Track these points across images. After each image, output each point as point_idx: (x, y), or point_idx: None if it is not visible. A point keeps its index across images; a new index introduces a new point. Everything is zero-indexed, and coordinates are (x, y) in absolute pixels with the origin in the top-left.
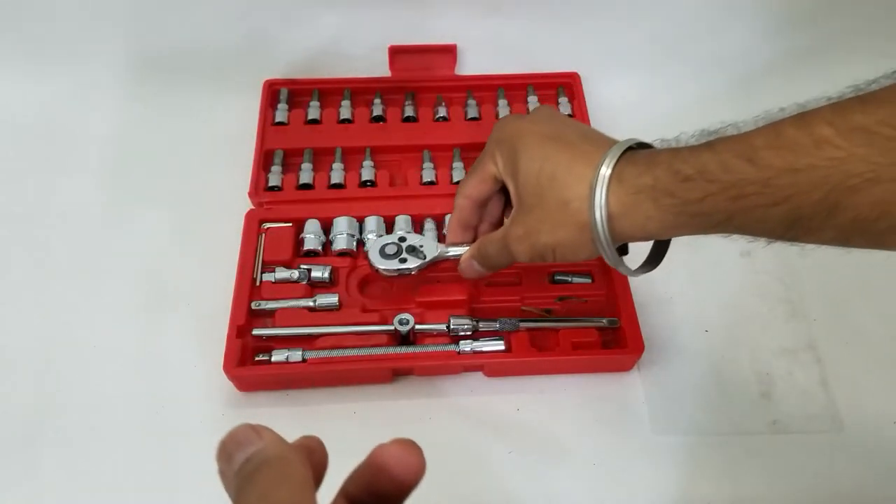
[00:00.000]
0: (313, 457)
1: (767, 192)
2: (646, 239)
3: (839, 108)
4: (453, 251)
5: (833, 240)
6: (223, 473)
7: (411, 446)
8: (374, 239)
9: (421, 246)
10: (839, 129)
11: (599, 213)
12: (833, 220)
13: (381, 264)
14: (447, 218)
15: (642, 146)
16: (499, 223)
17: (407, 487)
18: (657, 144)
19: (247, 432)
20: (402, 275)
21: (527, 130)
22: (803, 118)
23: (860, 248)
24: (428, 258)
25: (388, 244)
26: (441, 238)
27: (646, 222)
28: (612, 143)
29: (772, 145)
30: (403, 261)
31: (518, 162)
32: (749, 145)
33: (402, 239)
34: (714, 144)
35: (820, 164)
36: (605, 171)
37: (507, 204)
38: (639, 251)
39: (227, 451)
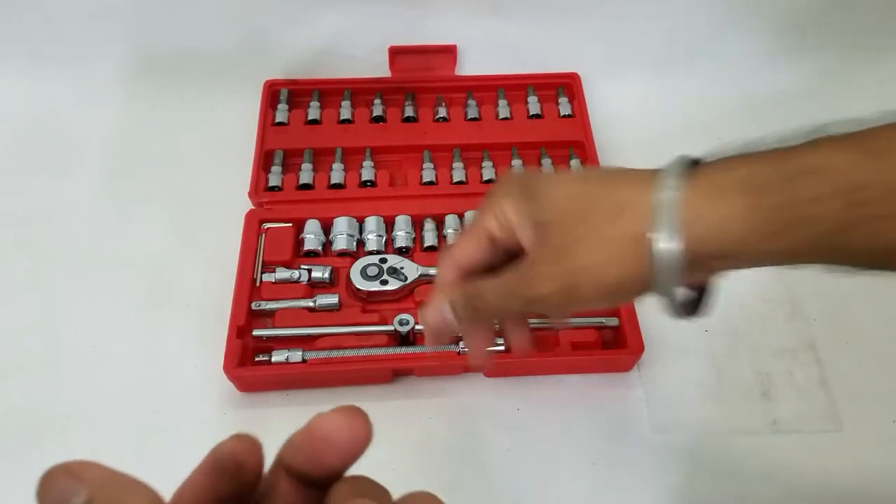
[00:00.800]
0: (242, 474)
1: (892, 201)
2: (718, 254)
3: None
4: (434, 272)
5: None
6: None
7: (355, 413)
8: (357, 259)
9: (402, 267)
10: None
11: (668, 224)
12: None
13: (363, 285)
14: (448, 218)
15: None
16: None
17: (352, 458)
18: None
19: (64, 480)
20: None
21: (544, 174)
22: None
23: None
24: (409, 280)
25: (369, 265)
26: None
27: (730, 225)
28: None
29: None
30: (385, 282)
31: (539, 193)
32: (865, 142)
33: (384, 260)
34: (819, 144)
35: None
36: (677, 167)
37: None
38: None
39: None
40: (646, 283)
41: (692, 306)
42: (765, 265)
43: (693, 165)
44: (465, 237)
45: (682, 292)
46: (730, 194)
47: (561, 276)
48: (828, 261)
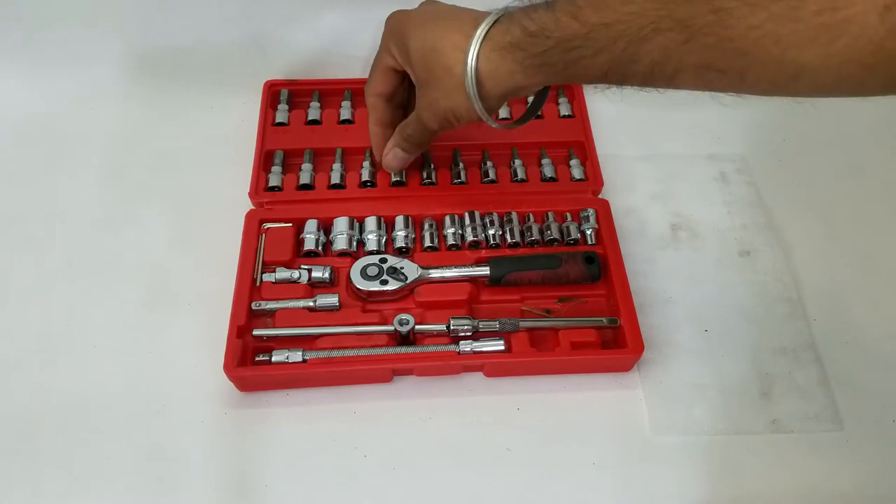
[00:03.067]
0: None
1: (588, 45)
2: (515, 93)
3: None
4: (435, 273)
5: (640, 84)
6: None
7: None
8: (357, 260)
9: (402, 268)
10: None
11: (470, 74)
12: (635, 66)
13: (363, 285)
14: (447, 218)
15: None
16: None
17: None
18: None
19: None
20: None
21: (410, 17)
22: None
23: (662, 88)
24: (409, 280)
25: (369, 265)
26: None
27: (510, 76)
28: (487, 13)
29: (590, 4)
30: (385, 282)
31: (408, 44)
32: (575, 5)
33: (384, 260)
34: (553, 4)
35: (623, 18)
36: (478, 34)
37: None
38: None
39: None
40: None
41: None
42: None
43: (495, 22)
44: (374, 73)
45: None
46: (504, 53)
47: (438, 113)
48: (567, 82)
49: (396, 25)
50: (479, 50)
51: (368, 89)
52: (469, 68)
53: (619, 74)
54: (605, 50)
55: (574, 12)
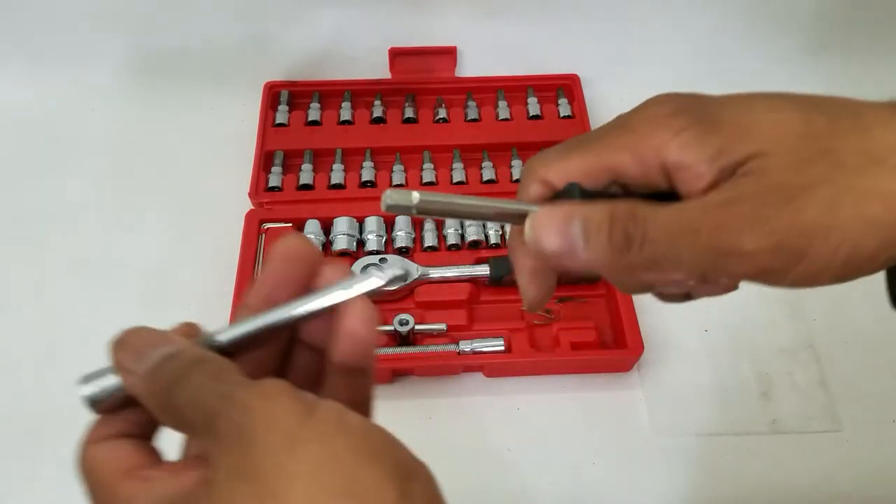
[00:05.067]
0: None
1: None
2: None
3: None
4: (434, 273)
5: None
6: (124, 368)
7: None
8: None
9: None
10: None
11: None
12: None
13: None
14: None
15: None
16: None
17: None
18: None
19: (154, 334)
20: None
21: (722, 97)
22: None
23: None
24: (409, 280)
25: (369, 265)
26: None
27: None
28: None
29: None
30: None
31: (729, 121)
32: None
33: (384, 260)
34: None
35: None
36: None
37: None
38: None
39: (132, 346)
40: (885, 258)
41: None
42: None
43: None
44: (574, 153)
45: None
46: None
47: (779, 231)
48: None
49: (698, 103)
50: None
51: (537, 170)
52: None
53: None
54: None
55: None
